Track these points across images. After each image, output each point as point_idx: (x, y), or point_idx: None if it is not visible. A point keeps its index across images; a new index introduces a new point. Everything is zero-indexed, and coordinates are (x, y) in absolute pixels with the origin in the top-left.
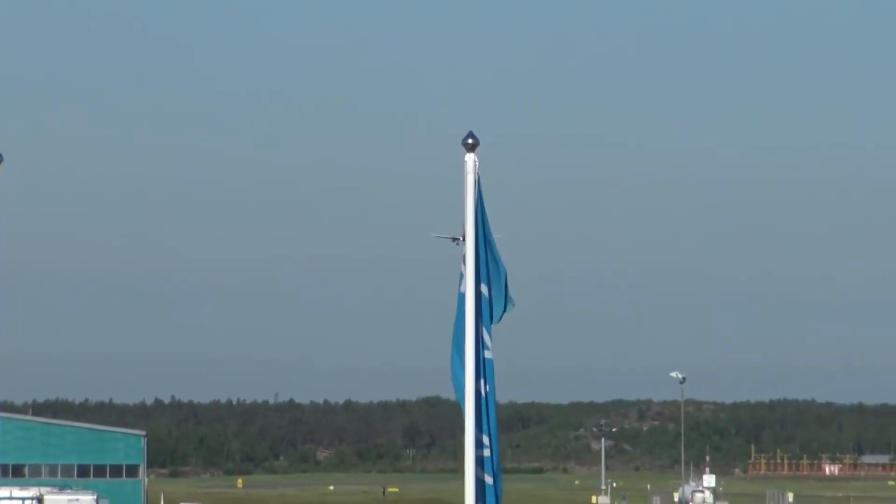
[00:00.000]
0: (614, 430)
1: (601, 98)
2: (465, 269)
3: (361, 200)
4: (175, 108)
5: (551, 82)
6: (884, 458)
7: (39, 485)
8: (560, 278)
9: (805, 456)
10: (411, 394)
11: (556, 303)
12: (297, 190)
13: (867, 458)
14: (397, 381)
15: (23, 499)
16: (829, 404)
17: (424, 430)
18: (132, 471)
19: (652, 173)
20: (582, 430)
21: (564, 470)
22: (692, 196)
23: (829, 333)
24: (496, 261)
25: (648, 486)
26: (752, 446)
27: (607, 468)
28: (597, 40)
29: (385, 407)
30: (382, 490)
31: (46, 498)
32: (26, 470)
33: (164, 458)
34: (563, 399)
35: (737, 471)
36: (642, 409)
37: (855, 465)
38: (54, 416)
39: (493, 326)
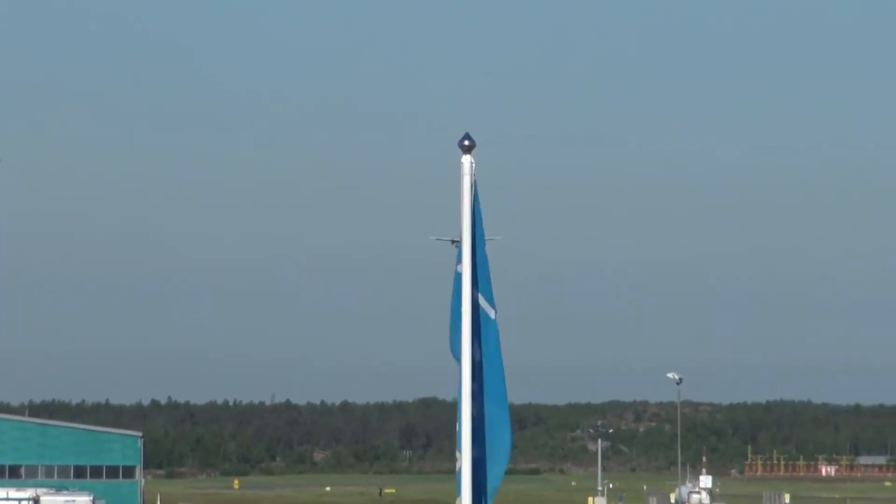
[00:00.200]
0: (611, 431)
1: (601, 98)
2: (460, 270)
3: (361, 201)
4: (175, 108)
5: (551, 82)
6: (880, 459)
7: (36, 486)
8: (557, 279)
9: (802, 457)
10: (408, 395)
11: (553, 304)
12: (297, 190)
13: (864, 459)
14: (394, 382)
15: (19, 500)
16: (825, 405)
17: (421, 432)
18: (129, 472)
19: (652, 173)
20: (579, 431)
21: (561, 471)
22: (692, 196)
23: (826, 334)
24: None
25: (645, 488)
26: (749, 447)
27: (604, 469)
28: (597, 40)
29: (382, 408)
30: (379, 491)
31: (43, 499)
32: (23, 471)
33: (160, 459)
34: (560, 400)
35: (733, 472)
36: (639, 410)
37: (851, 466)
38: (51, 416)
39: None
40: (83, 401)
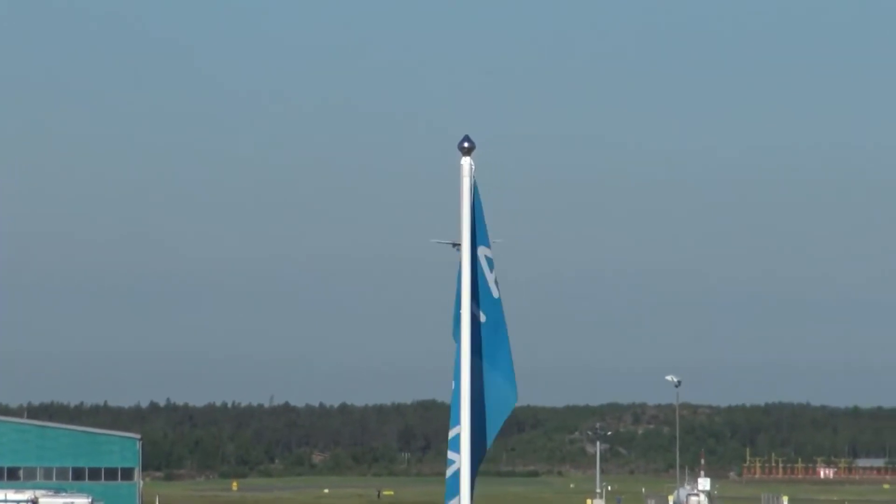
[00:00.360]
0: (609, 433)
1: (601, 98)
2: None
3: (360, 201)
4: (175, 108)
5: (551, 82)
6: (879, 462)
7: (34, 488)
8: (555, 280)
9: (800, 459)
10: (406, 397)
11: (551, 305)
12: (297, 190)
13: (862, 462)
14: (393, 384)
15: (18, 501)
16: (824, 407)
17: (419, 434)
18: (127, 474)
19: (651, 173)
20: (577, 433)
21: (559, 473)
22: (691, 196)
23: (825, 336)
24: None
25: (643, 490)
26: (748, 450)
27: (602, 471)
28: (597, 40)
29: (380, 410)
30: (377, 493)
31: (41, 501)
32: (21, 473)
33: (159, 461)
34: (559, 402)
35: (732, 474)
36: (637, 412)
37: (850, 469)
38: (49, 418)
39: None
40: (82, 403)
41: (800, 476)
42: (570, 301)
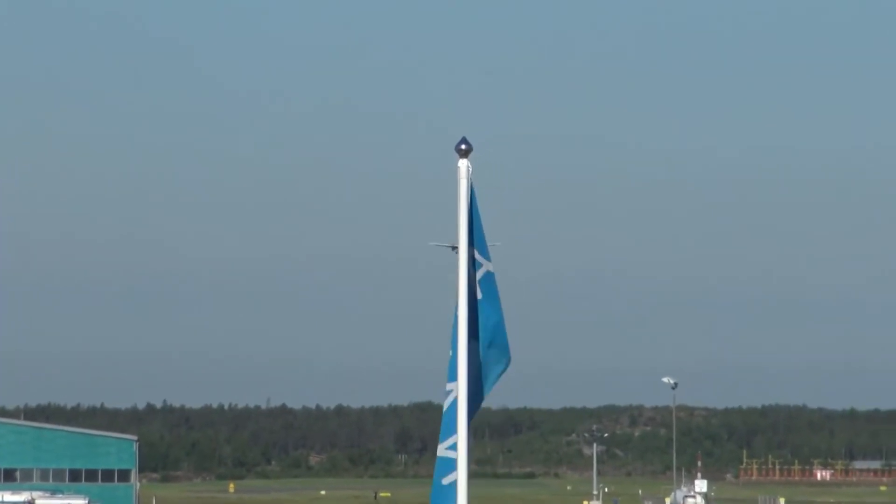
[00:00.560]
0: (606, 435)
1: (601, 98)
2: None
3: (360, 201)
4: (175, 108)
5: (551, 82)
6: (875, 464)
7: (31, 489)
8: (552, 282)
9: (797, 461)
10: (403, 399)
11: (548, 307)
12: (295, 190)
13: (858, 464)
14: (389, 386)
15: (15, 503)
16: (820, 410)
17: (416, 436)
18: (124, 475)
19: (651, 173)
20: (574, 435)
21: (556, 475)
22: (689, 197)
23: (822, 337)
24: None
25: (640, 492)
26: (744, 452)
27: (599, 473)
28: (597, 40)
29: (377, 412)
30: (374, 495)
31: (38, 502)
32: (18, 474)
33: (155, 462)
34: (555, 404)
35: (728, 476)
36: (634, 414)
37: (846, 471)
38: (46, 420)
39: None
40: (78, 404)
41: (796, 478)
42: (568, 302)
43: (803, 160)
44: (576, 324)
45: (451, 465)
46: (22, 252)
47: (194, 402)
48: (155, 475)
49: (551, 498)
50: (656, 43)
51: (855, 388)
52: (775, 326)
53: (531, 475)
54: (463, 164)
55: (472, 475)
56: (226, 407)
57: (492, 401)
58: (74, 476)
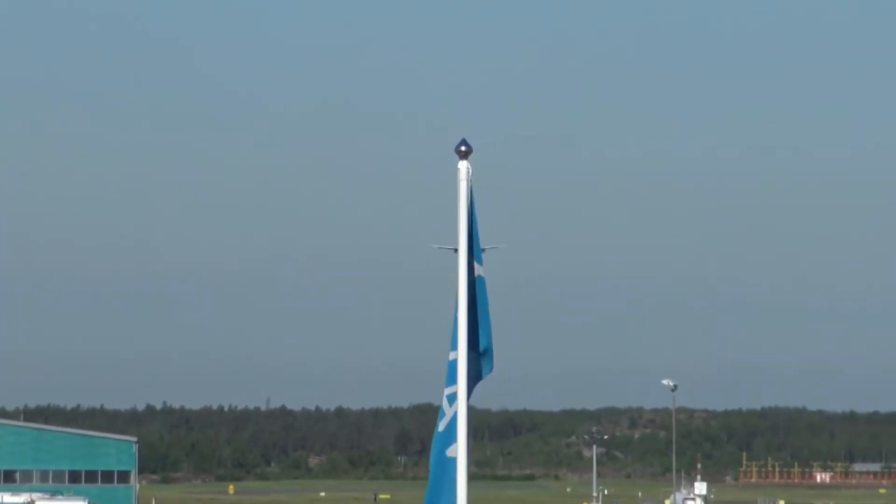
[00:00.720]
0: (606, 437)
1: (601, 98)
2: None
3: (359, 202)
4: (175, 108)
5: (551, 82)
6: (875, 467)
7: (31, 490)
8: (552, 283)
9: (796, 464)
10: (403, 400)
11: (548, 308)
12: (293, 191)
13: (858, 467)
14: (389, 387)
15: None
16: (820, 412)
17: (416, 437)
18: (123, 477)
19: (650, 174)
20: (573, 437)
21: (556, 477)
22: (689, 198)
23: (821, 339)
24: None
25: (640, 494)
26: (744, 454)
27: (599, 475)
28: (597, 40)
29: (377, 414)
30: (374, 497)
31: (38, 503)
32: (17, 475)
33: (155, 464)
34: (555, 406)
35: (728, 478)
36: (634, 416)
37: (846, 473)
38: (46, 421)
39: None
40: (78, 405)
41: (796, 480)
42: (568, 304)
43: (803, 160)
44: (576, 325)
45: (452, 433)
46: (22, 252)
47: (194, 403)
48: (154, 476)
49: (551, 500)
50: (656, 43)
51: (855, 390)
52: (775, 328)
53: (531, 477)
54: (463, 165)
55: (471, 477)
56: (225, 408)
57: (491, 402)
58: (74, 477)
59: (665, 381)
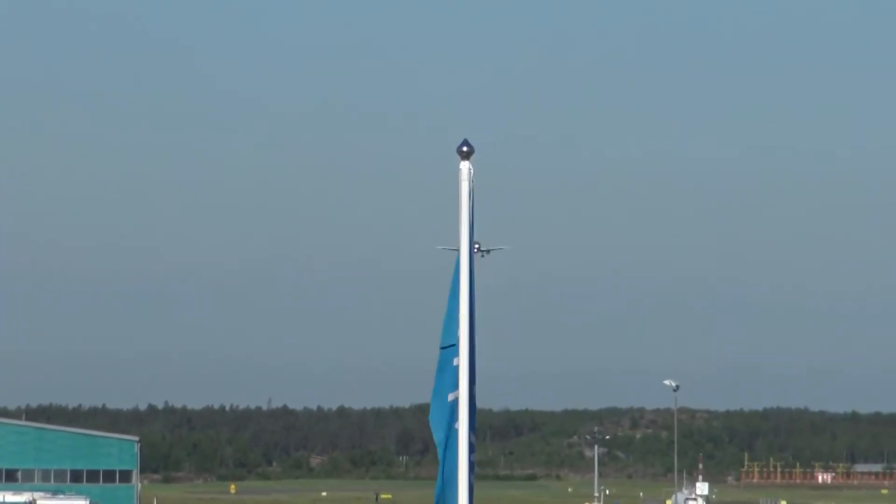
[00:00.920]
0: (607, 437)
1: (601, 98)
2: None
3: (359, 202)
4: (175, 108)
5: (551, 83)
6: (877, 467)
7: (33, 489)
8: (554, 283)
9: (798, 464)
10: (405, 400)
11: (549, 309)
12: (297, 191)
13: (860, 467)
14: (391, 387)
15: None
16: (822, 413)
17: (418, 437)
18: (125, 476)
19: (651, 175)
20: (575, 437)
21: (558, 477)
22: (690, 199)
23: (824, 339)
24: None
25: (641, 494)
26: (746, 454)
27: (600, 475)
28: (597, 40)
29: (378, 414)
30: (375, 496)
31: (39, 503)
32: (19, 475)
33: (157, 463)
34: (557, 406)
35: (730, 479)
36: (635, 416)
37: (848, 474)
38: (48, 420)
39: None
40: (80, 405)
41: (798, 481)
42: (569, 304)
43: (803, 160)
44: (576, 325)
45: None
46: (22, 252)
47: (196, 402)
48: (156, 476)
49: (552, 500)
50: (656, 43)
51: (856, 391)
52: (776, 328)
53: (532, 477)
54: (464, 165)
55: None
56: (227, 408)
57: (493, 403)
58: (76, 477)
59: (667, 382)
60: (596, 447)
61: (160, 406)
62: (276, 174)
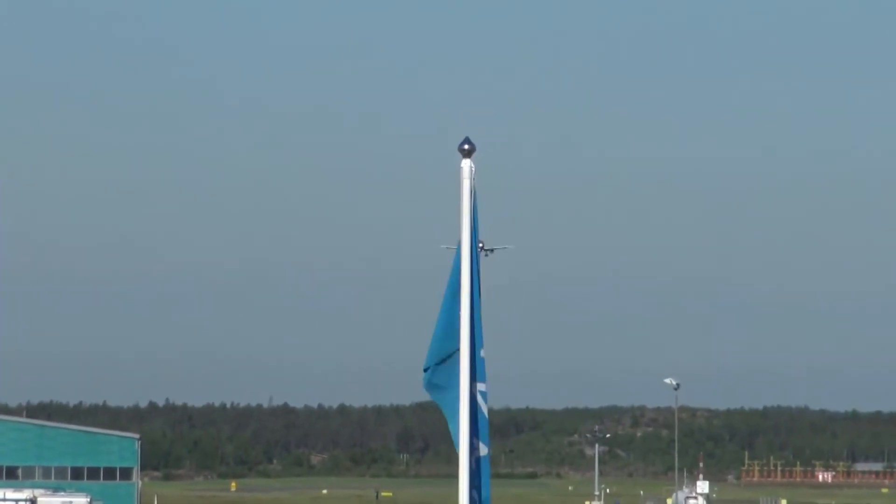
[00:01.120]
0: (608, 435)
1: (601, 99)
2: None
3: (360, 201)
4: (175, 109)
5: (550, 83)
6: (877, 466)
7: (33, 487)
8: (555, 283)
9: (799, 463)
10: (405, 398)
11: (550, 307)
12: (297, 190)
13: (860, 466)
14: (391, 385)
15: (16, 501)
16: (822, 411)
17: (418, 435)
18: (126, 473)
19: (651, 175)
20: (576, 435)
21: (558, 475)
22: (691, 199)
23: (824, 338)
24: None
25: (642, 493)
26: (746, 453)
27: (601, 474)
28: (597, 40)
29: (379, 411)
30: (376, 494)
31: (40, 500)
32: (20, 472)
33: (157, 460)
34: (558, 405)
35: (730, 478)
36: (636, 415)
37: (848, 473)
38: (48, 418)
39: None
40: (81, 402)
41: (798, 480)
42: (570, 303)
43: (803, 160)
44: (578, 324)
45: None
46: (22, 252)
47: (196, 400)
48: (157, 473)
49: (553, 498)
50: (656, 44)
51: (857, 389)
52: (776, 328)
53: (533, 475)
54: (466, 164)
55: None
56: (228, 405)
57: (494, 401)
58: (76, 474)
59: (668, 380)
60: (596, 445)
61: (161, 403)
62: (275, 174)
